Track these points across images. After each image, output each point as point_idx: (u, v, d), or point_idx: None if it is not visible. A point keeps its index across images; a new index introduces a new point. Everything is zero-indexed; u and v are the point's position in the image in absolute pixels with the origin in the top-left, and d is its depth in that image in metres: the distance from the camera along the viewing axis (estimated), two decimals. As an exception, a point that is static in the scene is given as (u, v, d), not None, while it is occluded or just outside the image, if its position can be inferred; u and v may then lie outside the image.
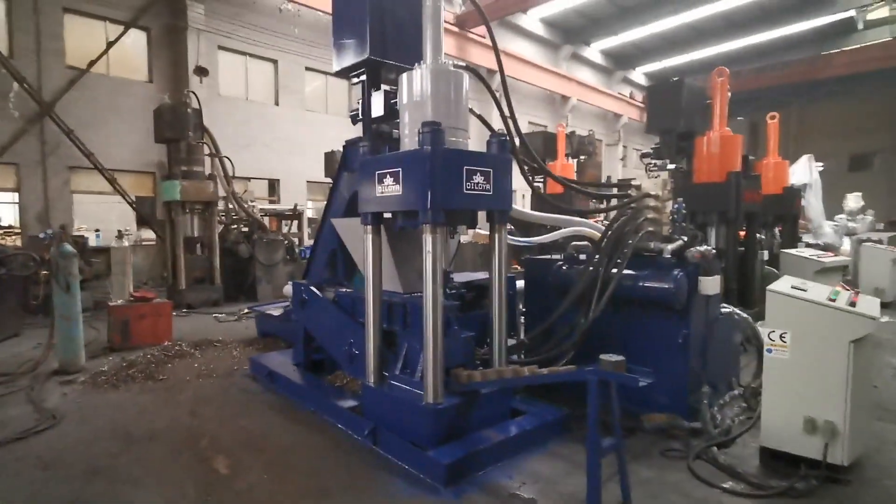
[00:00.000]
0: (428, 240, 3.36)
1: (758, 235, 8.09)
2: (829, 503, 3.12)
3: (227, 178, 11.16)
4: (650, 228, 4.29)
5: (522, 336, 5.11)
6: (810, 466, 3.33)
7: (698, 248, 4.35)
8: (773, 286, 3.65)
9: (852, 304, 3.40)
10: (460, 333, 3.85)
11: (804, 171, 12.34)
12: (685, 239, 4.30)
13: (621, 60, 26.89)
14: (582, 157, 13.77)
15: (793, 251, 9.15)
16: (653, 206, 4.32)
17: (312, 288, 5.02)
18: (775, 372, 3.53)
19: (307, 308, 5.04)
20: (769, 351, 3.56)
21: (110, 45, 12.07)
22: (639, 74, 29.02)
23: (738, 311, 5.13)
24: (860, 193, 15.66)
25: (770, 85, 24.81)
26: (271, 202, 15.37)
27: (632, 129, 28.32)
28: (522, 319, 5.51)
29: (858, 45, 22.62)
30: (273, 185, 15.76)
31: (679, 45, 24.68)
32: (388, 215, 3.88)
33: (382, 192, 3.60)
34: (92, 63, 11.85)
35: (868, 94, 26.23)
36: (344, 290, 4.88)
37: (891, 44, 21.72)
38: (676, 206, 4.42)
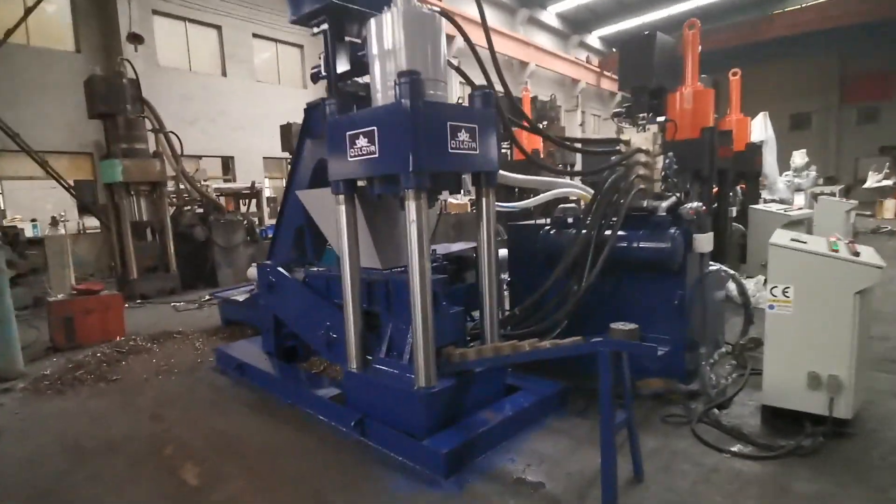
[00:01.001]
0: (412, 207, 2.99)
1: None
2: (839, 459, 3.03)
3: (175, 156, 10.31)
4: (642, 186, 4.05)
5: (508, 308, 4.86)
6: (814, 423, 3.24)
7: (691, 204, 4.16)
8: (775, 239, 3.50)
9: (856, 254, 3.27)
10: (449, 309, 3.54)
11: (761, 129, 12.51)
12: (678, 196, 4.09)
13: (577, 24, 26.62)
14: (544, 123, 13.50)
15: (760, 206, 9.28)
16: (643, 161, 4.07)
17: (280, 269, 4.58)
18: (778, 328, 3.40)
19: (275, 292, 4.61)
20: (771, 308, 3.42)
21: (28, 11, 10.80)
22: (594, 38, 28.85)
23: (725, 268, 5.03)
24: (805, 150, 16.15)
25: (717, 47, 25.20)
26: (226, 181, 14.48)
27: (589, 95, 28.28)
28: (507, 291, 5.25)
29: (798, 6, 23.39)
30: (227, 163, 14.85)
31: (632, 8, 24.59)
32: (362, 182, 3.48)
33: (355, 156, 3.19)
34: (9, 32, 10.58)
35: (806, 55, 27.45)
36: (315, 269, 4.48)
37: (825, 5, 22.58)
38: (668, 160, 4.19)
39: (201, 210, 10.63)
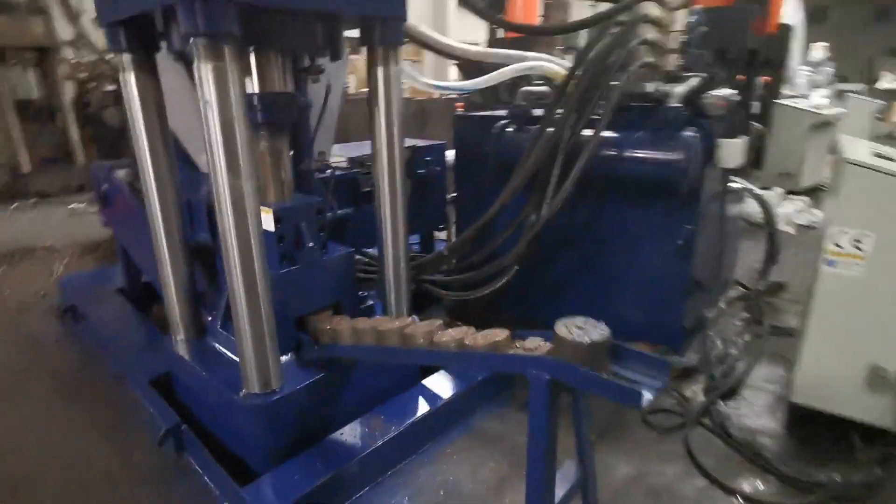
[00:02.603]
0: (206, 76, 1.55)
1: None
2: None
3: (71, 13, 8.20)
4: (648, 59, 2.54)
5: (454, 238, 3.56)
6: (866, 439, 2.14)
7: (721, 91, 2.70)
8: (850, 154, 2.16)
9: None
10: (322, 252, 2.22)
11: (794, 10, 10.47)
12: (703, 77, 2.60)
13: None
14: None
15: (787, 102, 7.68)
16: (654, 18, 2.52)
17: (118, 172, 3.16)
18: (833, 295, 2.20)
19: (112, 205, 3.23)
20: (830, 264, 2.16)
21: None
22: None
23: (750, 187, 3.69)
24: (826, 44, 14.07)
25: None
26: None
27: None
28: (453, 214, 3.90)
29: None
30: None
31: None
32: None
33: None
34: None
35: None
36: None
37: None
38: (694, 18, 2.65)
39: (115, 87, 8.75)
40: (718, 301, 3.40)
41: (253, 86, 2.04)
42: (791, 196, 6.53)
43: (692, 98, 2.53)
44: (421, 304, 3.32)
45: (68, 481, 2.19)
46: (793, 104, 7.43)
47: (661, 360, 1.23)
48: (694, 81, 2.59)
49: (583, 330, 1.29)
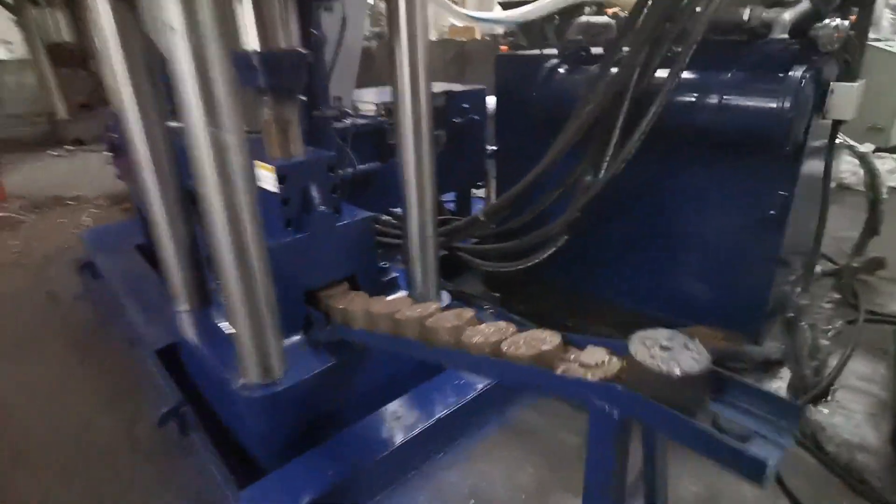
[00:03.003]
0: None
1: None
2: None
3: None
4: (746, -23, 2.00)
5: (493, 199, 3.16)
6: None
7: (837, 21, 2.12)
8: None
9: None
10: (336, 217, 1.88)
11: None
12: (816, 1, 2.04)
13: None
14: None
15: (879, 44, 6.62)
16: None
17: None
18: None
19: (123, 156, 2.98)
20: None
21: None
22: None
23: (852, 143, 3.11)
24: None
25: None
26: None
27: None
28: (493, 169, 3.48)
29: None
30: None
31: None
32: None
33: None
34: None
35: None
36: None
37: None
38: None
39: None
40: (805, 279, 2.91)
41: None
42: (881, 153, 5.70)
43: (803, 27, 1.98)
44: (453, 268, 2.99)
45: (69, 455, 2.04)
46: (888, 47, 6.39)
47: (786, 402, 0.85)
48: (804, 6, 2.03)
49: (669, 352, 0.91)
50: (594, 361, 1.07)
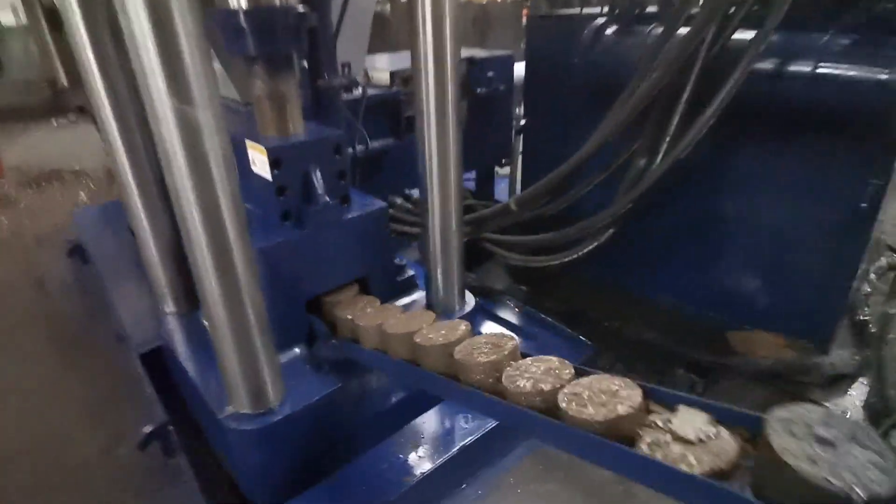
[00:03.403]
0: None
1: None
2: None
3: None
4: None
5: (518, 186, 2.83)
6: None
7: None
8: None
9: None
10: (343, 208, 1.57)
11: None
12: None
13: None
14: None
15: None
16: None
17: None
18: None
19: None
20: None
21: None
22: None
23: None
24: None
25: None
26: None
27: None
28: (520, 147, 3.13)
29: None
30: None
31: None
32: None
33: None
34: None
35: None
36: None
37: None
38: None
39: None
40: (869, 275, 2.57)
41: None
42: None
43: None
44: (474, 257, 2.69)
45: (43, 468, 1.82)
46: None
47: None
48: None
49: (833, 450, 0.60)
50: (695, 435, 0.77)
